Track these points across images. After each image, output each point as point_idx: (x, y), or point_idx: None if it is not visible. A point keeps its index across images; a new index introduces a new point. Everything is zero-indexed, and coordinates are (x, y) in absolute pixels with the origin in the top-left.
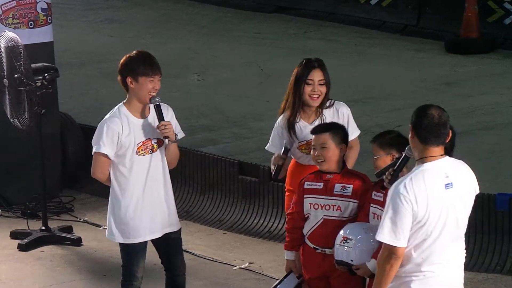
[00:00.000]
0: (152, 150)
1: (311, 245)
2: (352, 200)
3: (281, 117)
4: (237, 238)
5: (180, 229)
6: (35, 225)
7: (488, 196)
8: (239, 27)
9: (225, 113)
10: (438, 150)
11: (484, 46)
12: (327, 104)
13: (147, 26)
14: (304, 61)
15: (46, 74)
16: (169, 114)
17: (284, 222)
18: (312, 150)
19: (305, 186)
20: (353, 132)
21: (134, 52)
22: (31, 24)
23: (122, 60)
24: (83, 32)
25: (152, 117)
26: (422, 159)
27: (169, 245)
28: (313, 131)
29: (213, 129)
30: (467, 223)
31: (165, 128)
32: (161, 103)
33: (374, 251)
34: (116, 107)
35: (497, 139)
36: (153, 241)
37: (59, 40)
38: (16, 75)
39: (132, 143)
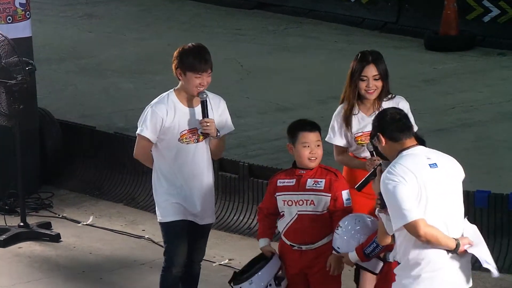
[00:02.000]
0: (198, 140)
1: (288, 242)
2: (324, 194)
3: (340, 107)
4: (216, 234)
5: (212, 223)
6: (13, 221)
7: (467, 193)
8: (219, 24)
9: None
10: (411, 141)
11: (463, 44)
12: (389, 96)
13: (127, 21)
14: (359, 55)
15: (27, 68)
16: (220, 106)
17: None
18: (303, 148)
19: (278, 184)
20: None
21: (190, 44)
22: (9, 19)
23: (176, 51)
24: (62, 28)
25: (200, 109)
26: (399, 152)
27: (198, 233)
28: (305, 129)
29: None
30: (463, 207)
31: (207, 126)
32: (214, 95)
33: (359, 243)
34: (165, 93)
35: (476, 137)
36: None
37: (37, 35)
38: None
39: (176, 130)
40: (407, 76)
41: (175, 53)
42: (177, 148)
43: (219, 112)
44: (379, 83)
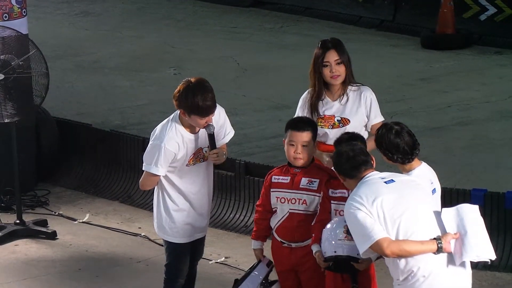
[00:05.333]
0: (203, 159)
1: (278, 239)
2: (317, 194)
3: (306, 92)
4: (213, 232)
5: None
6: (10, 219)
7: (464, 192)
8: (216, 21)
9: None
10: (367, 171)
11: (460, 42)
12: (354, 87)
13: (123, 19)
14: (320, 43)
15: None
16: (221, 117)
17: None
18: (289, 146)
19: (273, 180)
20: (376, 117)
21: (192, 82)
22: (5, 17)
23: (179, 88)
24: (58, 25)
25: (203, 131)
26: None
27: (200, 241)
28: (294, 127)
29: None
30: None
31: (217, 157)
32: (216, 105)
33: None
34: (171, 123)
35: (472, 135)
36: None
37: (34, 33)
38: None
39: (185, 158)
40: (404, 74)
41: (177, 92)
42: (185, 170)
43: (220, 124)
44: (342, 68)
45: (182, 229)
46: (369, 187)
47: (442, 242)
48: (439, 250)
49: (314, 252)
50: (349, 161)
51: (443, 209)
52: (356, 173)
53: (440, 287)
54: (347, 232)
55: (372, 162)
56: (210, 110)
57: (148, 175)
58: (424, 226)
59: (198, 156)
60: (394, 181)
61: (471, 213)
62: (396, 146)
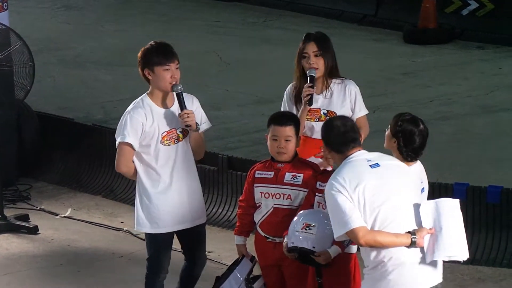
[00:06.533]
0: (178, 140)
1: (263, 234)
2: (302, 189)
3: (290, 85)
4: None
5: (205, 222)
6: None
7: (446, 186)
8: (199, 16)
9: None
10: (355, 149)
11: (442, 37)
12: (338, 80)
13: (106, 13)
14: (304, 35)
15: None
16: (194, 104)
17: None
18: (272, 141)
19: (256, 176)
20: (360, 110)
21: (150, 42)
22: None
23: (138, 54)
24: (40, 19)
25: (176, 107)
26: (343, 160)
27: (193, 238)
28: (277, 122)
29: None
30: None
31: (188, 117)
32: (186, 94)
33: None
34: (139, 98)
35: (455, 129)
36: (177, 232)
37: (15, 27)
38: None
39: (156, 133)
40: (386, 69)
41: (138, 57)
42: (160, 152)
43: (193, 109)
44: (320, 61)
45: (159, 218)
46: (353, 170)
47: (416, 237)
48: (412, 244)
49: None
50: (339, 136)
51: (423, 201)
52: (344, 150)
53: (408, 278)
54: (307, 225)
55: (360, 139)
56: (170, 54)
57: (119, 148)
58: (401, 218)
59: (172, 137)
60: (380, 165)
61: (450, 208)
62: (412, 143)
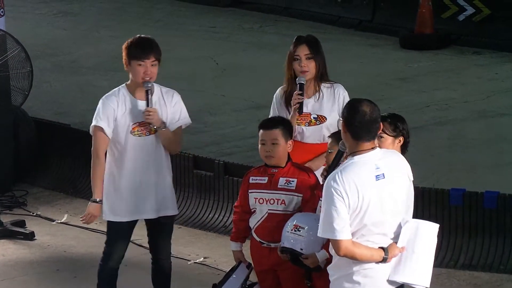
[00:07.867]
0: (150, 133)
1: (258, 239)
2: (296, 194)
3: (279, 89)
4: (192, 232)
5: (174, 216)
6: None
7: (442, 191)
8: (194, 21)
9: None
10: (369, 144)
11: (438, 42)
12: (328, 84)
13: (101, 19)
14: (295, 38)
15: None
16: (174, 100)
17: None
18: (261, 145)
19: (250, 181)
20: None
21: (135, 36)
22: None
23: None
24: (36, 25)
25: (153, 101)
26: (353, 153)
27: (156, 228)
28: (263, 126)
29: None
30: (411, 213)
31: (149, 115)
32: (167, 89)
33: (324, 243)
34: (117, 87)
35: (451, 135)
36: (146, 222)
37: (11, 32)
38: None
39: (127, 122)
40: (382, 74)
41: (123, 47)
42: (129, 142)
43: (172, 104)
44: (312, 64)
45: (117, 207)
46: (359, 177)
47: (388, 256)
48: (383, 261)
49: None
50: (362, 124)
51: (410, 220)
52: (360, 139)
53: (377, 278)
54: (296, 227)
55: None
56: (147, 49)
57: (94, 134)
58: (383, 233)
59: (144, 128)
60: (384, 177)
61: (428, 233)
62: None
